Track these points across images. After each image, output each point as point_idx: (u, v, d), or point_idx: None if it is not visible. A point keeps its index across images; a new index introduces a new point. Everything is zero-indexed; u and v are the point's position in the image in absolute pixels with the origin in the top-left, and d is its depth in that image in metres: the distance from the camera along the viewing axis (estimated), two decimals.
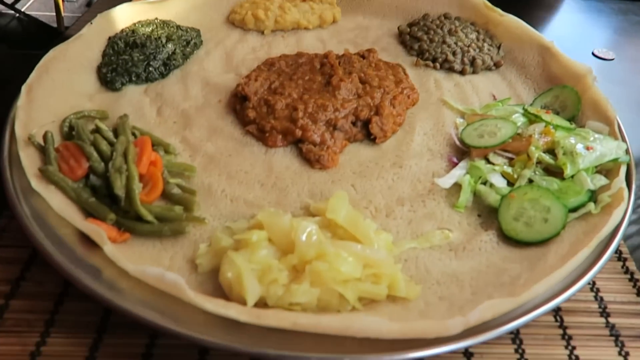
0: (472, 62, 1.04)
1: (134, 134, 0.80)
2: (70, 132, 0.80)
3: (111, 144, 0.76)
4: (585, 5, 1.42)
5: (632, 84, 1.13)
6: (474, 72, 1.04)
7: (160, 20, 1.06)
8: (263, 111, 0.86)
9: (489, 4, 1.12)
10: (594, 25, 1.34)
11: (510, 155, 0.80)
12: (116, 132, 0.80)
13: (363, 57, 1.01)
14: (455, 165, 0.81)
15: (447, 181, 0.76)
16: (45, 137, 0.75)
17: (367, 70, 0.93)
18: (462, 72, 1.03)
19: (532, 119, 0.85)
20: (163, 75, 0.97)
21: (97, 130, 0.78)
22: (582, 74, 0.93)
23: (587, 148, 0.77)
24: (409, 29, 1.13)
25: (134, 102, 0.91)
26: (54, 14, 3.88)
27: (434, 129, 0.89)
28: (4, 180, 0.70)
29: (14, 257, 0.67)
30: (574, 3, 1.44)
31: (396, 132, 0.88)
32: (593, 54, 1.21)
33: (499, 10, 1.11)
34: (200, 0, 1.15)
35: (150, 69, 0.96)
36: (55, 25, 3.99)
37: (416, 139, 0.87)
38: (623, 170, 0.74)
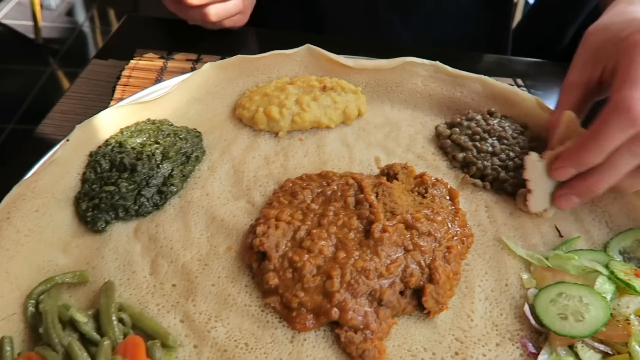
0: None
1: (121, 320, 0.61)
2: (37, 316, 0.61)
3: (92, 341, 0.58)
4: None
5: None
6: None
7: (152, 122, 0.87)
8: (288, 277, 0.67)
9: (544, 104, 0.95)
10: None
11: (602, 347, 0.64)
12: (98, 316, 0.61)
13: (396, 177, 0.84)
14: (531, 355, 0.65)
15: None
16: (1, 345, 0.56)
17: (414, 213, 0.75)
18: (514, 194, 0.86)
19: (621, 286, 0.69)
20: (158, 207, 0.78)
21: (73, 324, 0.59)
22: None
23: None
24: (449, 131, 0.95)
25: (121, 252, 0.72)
26: (32, 23, 3.64)
27: (496, 290, 0.72)
28: None
29: None
30: None
31: (451, 297, 0.71)
32: None
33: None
34: (202, 91, 0.96)
35: (142, 199, 0.77)
36: (32, 35, 3.75)
37: (477, 309, 0.70)
38: None
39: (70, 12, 5.07)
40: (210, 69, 0.97)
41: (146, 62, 1.10)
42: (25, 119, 3.53)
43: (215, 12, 1.08)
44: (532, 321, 0.67)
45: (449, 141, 0.94)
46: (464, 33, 1.53)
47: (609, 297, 0.67)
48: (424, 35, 1.49)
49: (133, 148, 0.81)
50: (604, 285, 0.69)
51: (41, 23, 4.30)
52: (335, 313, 0.64)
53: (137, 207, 0.76)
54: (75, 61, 4.25)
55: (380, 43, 1.30)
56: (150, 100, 0.89)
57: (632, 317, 0.65)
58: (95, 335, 0.59)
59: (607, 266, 0.71)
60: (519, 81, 1.19)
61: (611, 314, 0.65)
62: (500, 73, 1.24)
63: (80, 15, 5.13)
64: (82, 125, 0.81)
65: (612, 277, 0.70)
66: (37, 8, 3.99)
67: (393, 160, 0.90)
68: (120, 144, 0.81)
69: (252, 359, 0.62)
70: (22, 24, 4.63)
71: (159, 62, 1.11)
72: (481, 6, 1.50)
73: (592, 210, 0.84)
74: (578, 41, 0.86)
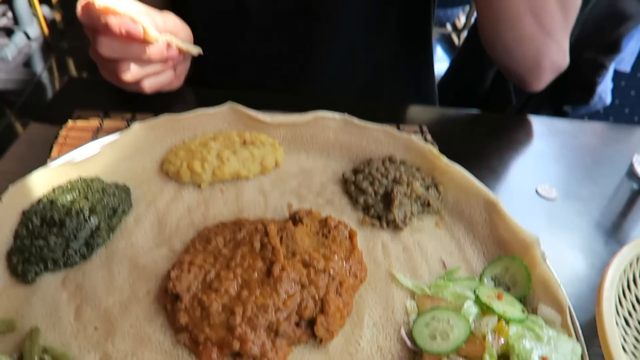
0: (412, 216, 1.01)
1: None
2: None
3: None
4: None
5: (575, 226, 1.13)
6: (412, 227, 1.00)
7: (83, 180, 0.97)
8: (197, 315, 0.77)
9: (435, 152, 1.10)
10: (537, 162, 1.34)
11: None
12: (22, 359, 0.69)
13: (301, 221, 0.95)
14: None
15: None
16: None
17: (312, 252, 0.86)
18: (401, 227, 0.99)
19: (484, 308, 0.81)
20: (85, 257, 0.87)
21: None
22: (529, 243, 0.91)
23: (543, 359, 0.73)
24: (353, 177, 1.08)
25: (49, 300, 0.80)
26: None
27: (383, 317, 0.84)
28: None
29: None
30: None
31: (343, 326, 0.82)
32: (537, 191, 1.20)
33: (444, 159, 1.08)
34: (131, 149, 1.07)
35: (70, 251, 0.86)
36: None
37: (365, 334, 0.81)
38: None
39: (27, 63, 5.12)
40: (139, 129, 1.08)
41: (83, 122, 1.20)
42: None
43: (149, 85, 1.19)
44: (409, 343, 0.79)
45: (352, 186, 1.07)
46: (389, 86, 1.69)
47: (472, 318, 0.80)
48: (349, 87, 1.64)
49: (63, 205, 0.90)
50: (470, 308, 0.81)
51: None
52: (236, 344, 0.74)
53: (65, 258, 0.85)
54: (33, 112, 4.29)
55: (309, 98, 1.43)
56: (81, 160, 0.99)
57: (488, 334, 0.77)
58: None
59: (474, 291, 0.84)
60: (424, 127, 1.34)
61: (471, 332, 0.77)
62: (410, 121, 1.40)
63: (38, 66, 5.18)
64: (16, 186, 0.90)
65: (477, 300, 0.82)
66: None
67: (305, 206, 1.02)
68: (52, 202, 0.91)
69: None
70: None
71: (95, 122, 1.21)
72: (400, 61, 1.67)
73: (472, 243, 0.98)
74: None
